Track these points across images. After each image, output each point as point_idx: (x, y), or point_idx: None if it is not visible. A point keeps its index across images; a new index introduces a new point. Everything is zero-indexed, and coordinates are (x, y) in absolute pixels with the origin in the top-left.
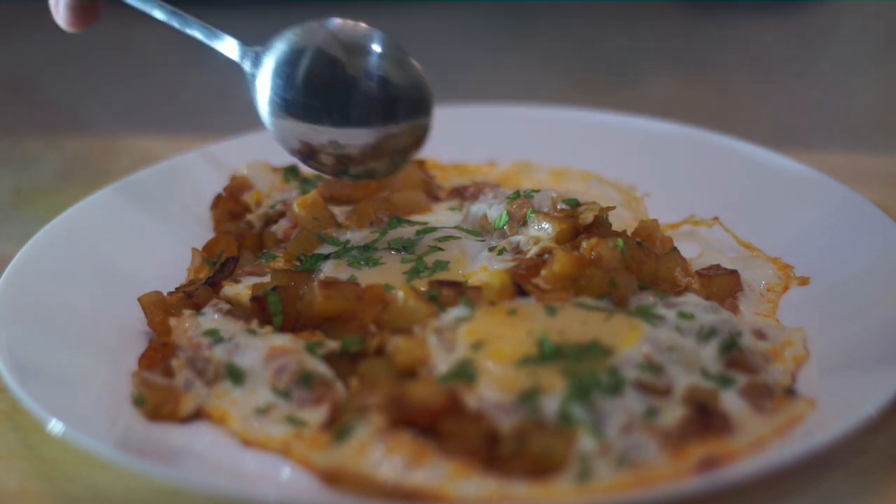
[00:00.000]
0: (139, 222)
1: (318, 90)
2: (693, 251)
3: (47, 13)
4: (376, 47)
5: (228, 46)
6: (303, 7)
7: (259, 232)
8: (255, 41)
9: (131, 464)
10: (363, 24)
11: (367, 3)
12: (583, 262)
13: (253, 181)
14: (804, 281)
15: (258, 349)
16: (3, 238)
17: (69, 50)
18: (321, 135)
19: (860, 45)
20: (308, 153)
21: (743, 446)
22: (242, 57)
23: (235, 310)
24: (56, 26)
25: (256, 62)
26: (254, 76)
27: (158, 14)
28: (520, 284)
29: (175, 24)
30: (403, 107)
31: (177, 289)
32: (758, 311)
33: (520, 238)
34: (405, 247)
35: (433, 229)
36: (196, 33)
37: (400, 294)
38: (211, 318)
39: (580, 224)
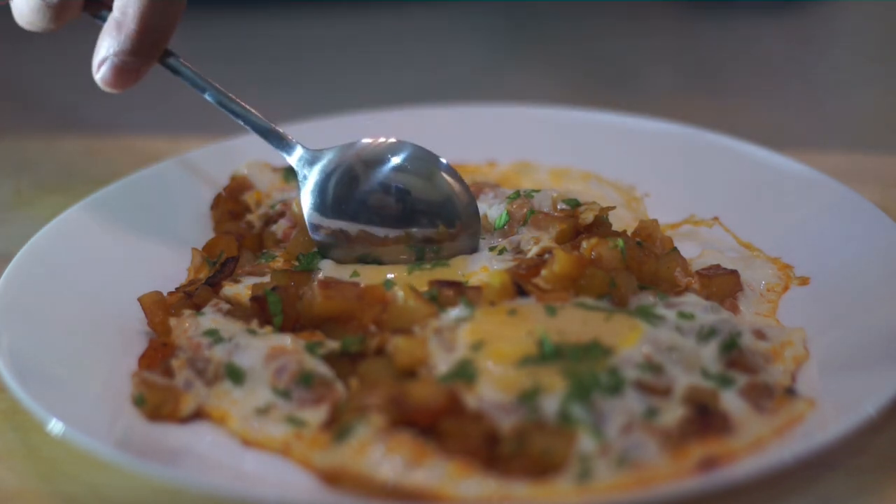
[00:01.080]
0: (139, 222)
1: (344, 201)
2: (693, 251)
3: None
4: (396, 161)
5: (288, 149)
6: (306, 7)
7: (259, 232)
8: (256, 41)
9: (131, 464)
10: (390, 142)
11: (367, 4)
12: (583, 262)
13: (253, 181)
14: (804, 281)
15: (258, 349)
16: (3, 238)
17: (69, 50)
18: (348, 229)
19: (860, 45)
20: (335, 242)
21: (743, 446)
22: (298, 162)
23: (235, 310)
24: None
25: (306, 174)
26: (302, 185)
27: (210, 98)
28: (520, 284)
29: (227, 112)
30: (420, 214)
31: (177, 289)
32: (758, 311)
33: (520, 238)
34: None
35: None
36: (248, 125)
37: (400, 294)
38: (211, 318)
39: (580, 224)
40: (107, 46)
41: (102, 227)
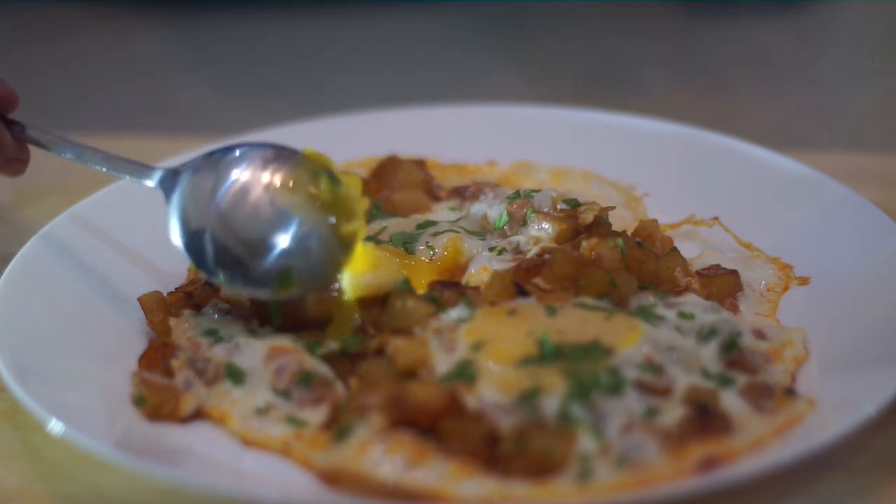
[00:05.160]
0: (139, 222)
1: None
2: (693, 251)
3: (47, 13)
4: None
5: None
6: (305, 9)
7: None
8: (254, 42)
9: (131, 464)
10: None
11: (367, 4)
12: (583, 262)
13: None
14: (804, 281)
15: (258, 349)
16: (3, 238)
17: (69, 50)
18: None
19: (861, 44)
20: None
21: (743, 446)
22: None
23: (235, 310)
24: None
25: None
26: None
27: (70, 156)
28: (520, 284)
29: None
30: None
31: (177, 289)
32: (758, 311)
33: (520, 238)
34: (406, 242)
35: (433, 223)
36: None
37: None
38: (211, 317)
39: (580, 224)
40: None
41: (102, 227)
